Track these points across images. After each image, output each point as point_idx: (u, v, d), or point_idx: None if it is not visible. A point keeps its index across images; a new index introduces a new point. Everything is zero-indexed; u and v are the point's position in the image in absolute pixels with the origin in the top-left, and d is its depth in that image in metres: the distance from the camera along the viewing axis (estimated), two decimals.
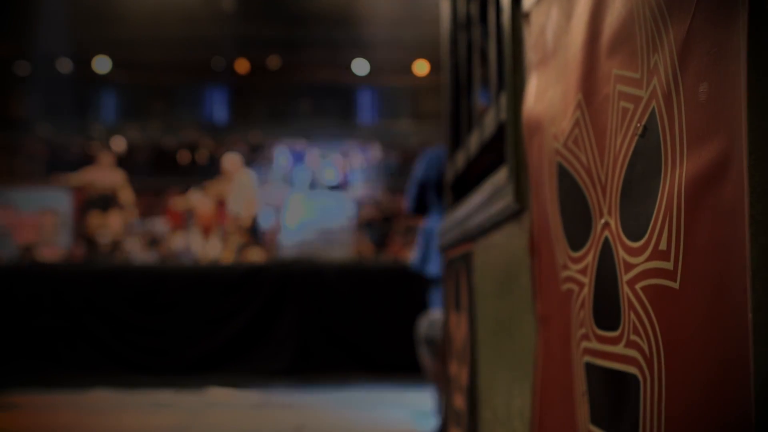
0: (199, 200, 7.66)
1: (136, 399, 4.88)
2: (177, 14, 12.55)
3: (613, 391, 0.85)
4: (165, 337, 5.55)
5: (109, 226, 7.38)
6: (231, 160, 7.87)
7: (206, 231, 7.39)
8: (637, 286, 0.78)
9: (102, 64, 14.78)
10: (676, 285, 0.69)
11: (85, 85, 14.61)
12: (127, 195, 7.79)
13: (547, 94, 1.11)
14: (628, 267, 0.80)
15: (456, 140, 2.25)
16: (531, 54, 1.21)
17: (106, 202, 7.51)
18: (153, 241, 7.56)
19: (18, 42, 13.29)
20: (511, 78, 1.29)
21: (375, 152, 14.42)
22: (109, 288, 5.60)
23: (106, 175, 7.80)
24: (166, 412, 4.37)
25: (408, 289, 5.28)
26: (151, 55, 14.17)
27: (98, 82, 14.99)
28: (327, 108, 15.40)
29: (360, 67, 15.19)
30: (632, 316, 0.79)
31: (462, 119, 2.11)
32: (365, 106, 16.16)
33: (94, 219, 7.44)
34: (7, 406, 4.60)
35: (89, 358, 5.46)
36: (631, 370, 0.80)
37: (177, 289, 5.62)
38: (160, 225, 8.04)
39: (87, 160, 8.54)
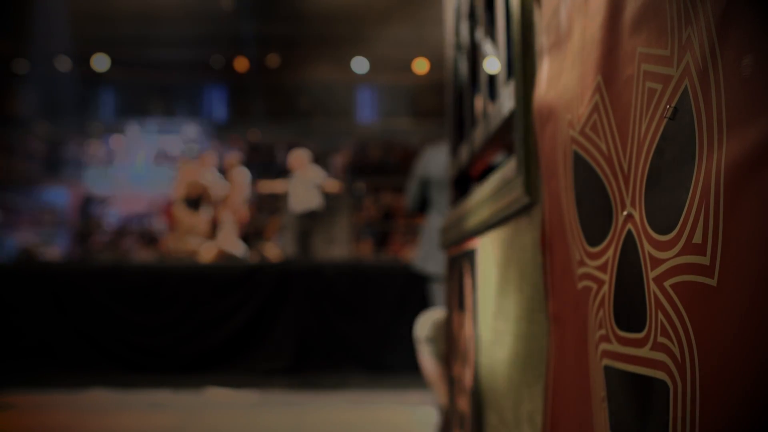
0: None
1: (134, 399, 4.82)
2: (176, 12, 12.49)
3: (637, 398, 0.79)
4: (163, 337, 5.49)
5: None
6: (296, 157, 7.67)
7: (240, 227, 7.35)
8: (666, 284, 0.71)
9: (101, 62, 14.71)
10: (713, 282, 0.62)
11: (84, 83, 14.54)
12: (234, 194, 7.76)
13: (561, 79, 1.04)
14: (656, 262, 0.73)
15: (459, 134, 2.18)
16: (542, 37, 1.15)
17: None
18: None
19: (17, 40, 13.23)
20: (521, 63, 1.23)
21: (374, 151, 14.35)
22: (106, 286, 5.53)
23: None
24: (163, 412, 4.32)
25: (408, 289, 5.22)
26: (150, 53, 14.11)
27: (97, 80, 14.93)
28: (326, 106, 15.33)
29: (359, 65, 15.13)
30: (660, 316, 0.73)
31: (465, 112, 2.04)
32: (365, 104, 16.10)
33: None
34: (4, 405, 4.54)
35: (86, 358, 5.40)
36: (659, 375, 0.73)
37: (175, 288, 5.56)
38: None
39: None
